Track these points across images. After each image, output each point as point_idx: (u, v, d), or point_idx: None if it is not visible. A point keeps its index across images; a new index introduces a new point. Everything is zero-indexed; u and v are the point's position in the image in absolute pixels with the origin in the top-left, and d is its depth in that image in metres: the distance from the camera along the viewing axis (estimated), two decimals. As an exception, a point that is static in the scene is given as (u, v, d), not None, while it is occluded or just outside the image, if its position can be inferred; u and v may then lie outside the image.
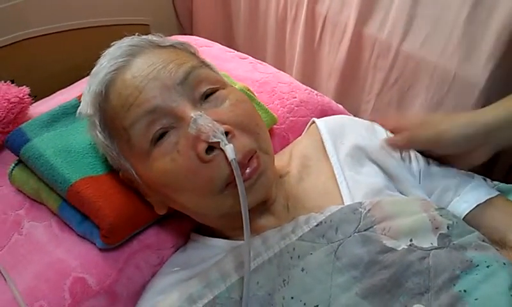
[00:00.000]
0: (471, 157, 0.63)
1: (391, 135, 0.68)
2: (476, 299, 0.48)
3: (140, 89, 0.54)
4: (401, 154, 0.65)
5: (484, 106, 0.98)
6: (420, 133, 0.63)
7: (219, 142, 0.51)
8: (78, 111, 0.62)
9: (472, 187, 0.62)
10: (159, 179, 0.55)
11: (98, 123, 0.58)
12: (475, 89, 0.97)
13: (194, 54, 0.63)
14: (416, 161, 0.65)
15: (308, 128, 0.75)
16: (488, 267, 0.50)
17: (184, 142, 0.53)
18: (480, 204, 0.60)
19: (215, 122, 0.52)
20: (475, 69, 0.97)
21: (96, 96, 0.58)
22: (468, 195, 0.61)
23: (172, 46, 0.62)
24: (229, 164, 0.51)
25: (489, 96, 0.98)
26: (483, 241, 0.54)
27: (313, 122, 0.72)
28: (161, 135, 0.54)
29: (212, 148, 0.52)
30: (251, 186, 0.53)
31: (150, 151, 0.54)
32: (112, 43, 0.61)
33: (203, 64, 0.61)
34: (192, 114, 0.53)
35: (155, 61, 0.57)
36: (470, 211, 0.60)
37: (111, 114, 0.57)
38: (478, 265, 0.50)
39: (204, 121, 0.52)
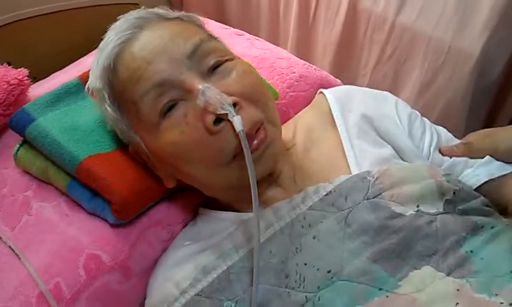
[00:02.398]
0: None
1: (401, 104, 0.68)
2: (482, 258, 0.50)
3: (148, 61, 0.55)
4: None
5: (478, 77, 1.01)
6: (477, 145, 0.62)
7: (227, 114, 0.52)
8: (87, 86, 0.62)
9: (484, 161, 0.61)
10: (168, 151, 0.55)
11: (107, 97, 0.58)
12: (470, 60, 0.98)
13: (201, 26, 0.64)
14: (430, 136, 0.64)
15: (314, 100, 0.75)
16: (492, 228, 0.52)
17: (193, 114, 0.54)
18: (493, 179, 0.59)
19: (223, 94, 0.53)
20: (469, 40, 0.98)
21: (104, 70, 0.58)
22: (480, 169, 0.60)
23: (179, 18, 0.62)
24: (237, 135, 0.52)
25: (484, 66, 0.99)
26: (486, 206, 0.55)
27: (321, 93, 0.72)
28: (170, 108, 0.55)
29: (220, 119, 0.52)
30: (259, 157, 0.54)
31: (159, 123, 0.55)
32: (118, 17, 0.61)
33: (211, 37, 0.61)
34: (201, 86, 0.53)
35: (163, 33, 0.57)
36: (480, 185, 0.59)
37: (119, 88, 0.57)
38: (483, 227, 0.52)
39: (212, 93, 0.52)
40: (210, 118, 0.52)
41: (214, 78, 0.56)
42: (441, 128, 0.69)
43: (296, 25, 1.26)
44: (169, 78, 0.54)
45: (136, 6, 0.65)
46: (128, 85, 0.56)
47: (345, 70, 1.21)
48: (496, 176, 0.59)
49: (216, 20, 1.07)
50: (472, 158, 0.62)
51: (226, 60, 0.58)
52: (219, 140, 0.53)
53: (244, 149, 0.51)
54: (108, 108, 0.59)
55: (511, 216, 0.58)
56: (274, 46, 0.96)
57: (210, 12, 1.48)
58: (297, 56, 0.95)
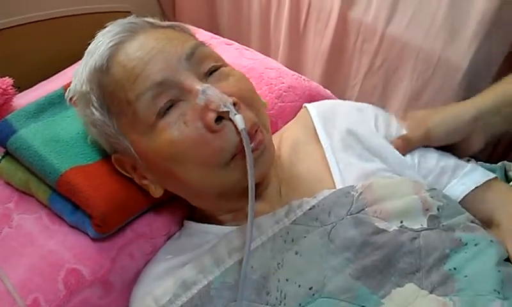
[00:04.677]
0: (467, 145, 0.65)
1: (381, 117, 0.68)
2: (465, 276, 0.49)
3: (146, 61, 0.54)
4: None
5: (467, 88, 1.01)
6: (412, 136, 0.65)
7: (228, 112, 0.52)
8: (68, 91, 0.61)
9: (469, 170, 0.63)
10: (164, 151, 0.54)
11: (95, 99, 0.57)
12: (459, 71, 0.99)
13: (193, 35, 0.64)
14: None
15: (298, 114, 0.75)
16: (475, 245, 0.52)
17: (192, 114, 0.53)
18: (478, 186, 0.61)
19: (223, 94, 0.53)
20: (458, 51, 0.98)
21: (95, 72, 0.57)
22: (465, 178, 0.62)
23: (171, 27, 0.62)
24: (237, 134, 0.52)
25: (473, 77, 1.00)
26: (472, 222, 0.55)
27: (305, 107, 0.72)
28: (168, 108, 0.54)
29: (220, 118, 0.52)
30: (257, 159, 0.54)
31: (156, 123, 0.54)
32: (106, 25, 0.61)
33: (204, 44, 0.61)
34: (200, 86, 0.53)
35: (159, 36, 0.57)
36: (468, 194, 0.61)
37: (112, 89, 0.56)
38: (467, 244, 0.52)
39: (213, 92, 0.53)
40: (211, 116, 0.52)
41: (211, 81, 0.56)
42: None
43: (286, 36, 1.26)
44: (168, 78, 0.54)
45: (127, 14, 0.64)
46: (124, 84, 0.55)
47: (335, 80, 1.21)
48: (480, 183, 0.61)
49: (208, 30, 1.07)
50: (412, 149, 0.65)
51: (222, 65, 0.59)
52: (219, 138, 0.53)
53: (246, 147, 0.51)
54: (95, 112, 0.57)
55: (495, 226, 0.58)
56: (263, 56, 0.96)
57: (202, 21, 1.48)
58: (287, 67, 0.95)
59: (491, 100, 0.63)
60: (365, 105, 0.71)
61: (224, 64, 0.60)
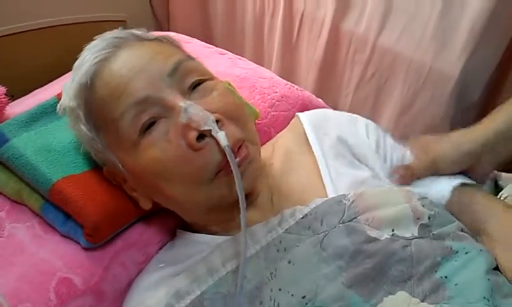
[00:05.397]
0: (476, 169, 0.62)
1: (372, 128, 0.68)
2: (456, 284, 0.50)
3: (129, 79, 0.54)
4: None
5: (458, 98, 1.02)
6: (418, 165, 0.63)
7: (210, 130, 0.52)
8: (59, 105, 0.61)
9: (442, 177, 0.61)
10: (148, 169, 0.55)
11: (82, 116, 0.58)
12: (450, 81, 1.00)
13: (179, 48, 0.64)
14: (399, 159, 0.64)
15: (291, 123, 0.75)
16: (466, 253, 0.52)
17: (174, 132, 0.53)
18: (464, 185, 0.60)
19: (205, 111, 0.53)
20: (449, 62, 1.00)
21: (81, 88, 0.57)
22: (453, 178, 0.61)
23: (157, 39, 0.62)
24: (220, 151, 0.52)
25: (464, 87, 1.01)
26: (461, 231, 0.55)
27: (297, 116, 0.72)
28: (150, 125, 0.54)
29: (202, 136, 0.52)
30: (242, 174, 0.53)
31: (139, 141, 0.54)
32: (94, 38, 0.61)
33: (190, 57, 0.61)
34: (182, 103, 0.53)
35: (142, 52, 0.57)
36: (453, 193, 0.59)
37: (97, 105, 0.56)
38: (457, 252, 0.52)
39: (195, 110, 0.52)
40: (193, 134, 0.52)
41: (195, 97, 0.56)
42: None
43: (279, 46, 1.27)
44: (151, 96, 0.54)
45: (121, 23, 0.65)
46: (108, 102, 0.55)
47: (328, 90, 1.23)
48: (457, 183, 0.60)
49: (202, 39, 1.08)
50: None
51: (207, 79, 0.58)
52: (202, 156, 0.53)
53: (231, 163, 0.51)
54: (83, 127, 0.58)
55: (482, 233, 0.58)
56: (256, 65, 0.97)
57: (196, 31, 1.49)
58: (281, 76, 0.96)
59: (500, 125, 0.58)
60: (355, 115, 0.72)
61: (210, 78, 0.59)
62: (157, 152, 0.53)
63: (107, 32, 0.61)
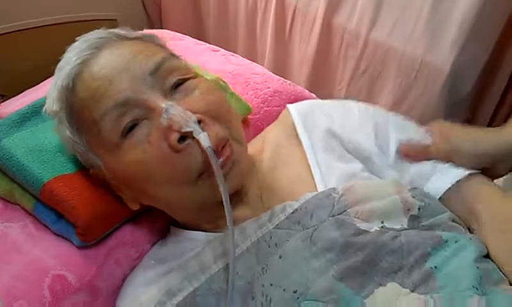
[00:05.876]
0: (496, 169, 0.60)
1: (363, 109, 0.66)
2: (445, 274, 0.50)
3: (110, 80, 0.54)
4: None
5: (450, 91, 1.03)
6: (437, 152, 0.61)
7: (191, 132, 0.51)
8: (44, 108, 0.61)
9: (445, 168, 0.60)
10: (131, 171, 0.54)
11: (65, 119, 0.57)
12: (441, 75, 1.00)
13: (162, 46, 0.63)
14: (396, 140, 0.63)
15: (280, 115, 0.74)
16: (456, 242, 0.52)
17: (155, 133, 0.53)
18: (459, 181, 0.59)
19: (187, 111, 0.52)
20: (440, 56, 1.00)
21: (62, 91, 0.57)
22: (448, 172, 0.60)
23: (139, 38, 0.61)
24: (202, 152, 0.51)
25: (456, 80, 1.01)
26: (453, 221, 0.56)
27: (287, 108, 0.71)
28: (131, 127, 0.54)
29: (184, 137, 0.52)
30: (227, 174, 0.53)
31: (121, 143, 0.54)
32: (77, 38, 0.60)
33: (173, 55, 0.61)
34: (164, 104, 0.53)
35: (124, 52, 0.56)
36: (448, 189, 0.59)
37: (78, 108, 0.56)
38: (447, 241, 0.52)
39: (176, 111, 0.52)
40: (174, 136, 0.52)
41: (177, 96, 0.55)
42: (411, 125, 0.66)
43: (272, 42, 1.27)
44: (131, 98, 0.53)
45: (113, 21, 0.64)
46: (89, 104, 0.55)
47: (321, 85, 1.23)
48: (463, 176, 0.59)
49: (194, 36, 1.08)
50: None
51: (189, 78, 0.58)
52: (184, 158, 0.52)
53: (214, 165, 0.50)
54: (66, 130, 0.58)
55: (475, 221, 0.58)
56: (249, 61, 0.97)
57: (188, 28, 1.49)
58: (274, 72, 0.96)
59: None
60: (346, 102, 0.69)
61: (193, 76, 0.58)
62: (139, 154, 0.53)
63: (90, 32, 0.61)
